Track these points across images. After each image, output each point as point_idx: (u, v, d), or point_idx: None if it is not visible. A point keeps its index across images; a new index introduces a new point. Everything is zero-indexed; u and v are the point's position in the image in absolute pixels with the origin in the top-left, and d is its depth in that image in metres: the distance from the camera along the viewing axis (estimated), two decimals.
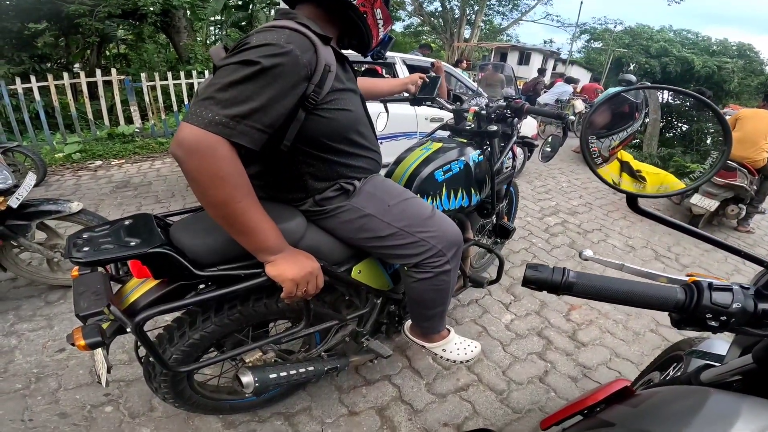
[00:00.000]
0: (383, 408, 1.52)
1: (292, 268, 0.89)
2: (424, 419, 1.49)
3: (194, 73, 5.49)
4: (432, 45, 21.67)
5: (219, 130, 0.75)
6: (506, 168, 1.80)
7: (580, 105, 7.62)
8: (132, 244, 0.82)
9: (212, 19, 8.66)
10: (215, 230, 0.87)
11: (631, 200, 0.58)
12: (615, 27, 26.20)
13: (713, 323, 0.49)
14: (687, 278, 0.59)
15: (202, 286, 0.97)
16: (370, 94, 1.47)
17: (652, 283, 0.53)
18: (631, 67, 31.16)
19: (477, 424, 1.50)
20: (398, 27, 21.20)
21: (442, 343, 1.34)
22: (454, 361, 1.36)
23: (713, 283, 0.50)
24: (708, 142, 0.65)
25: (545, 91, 7.70)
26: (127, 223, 0.90)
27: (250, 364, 1.13)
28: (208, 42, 8.60)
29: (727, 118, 5.21)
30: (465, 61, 7.92)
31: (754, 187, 3.40)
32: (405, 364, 1.72)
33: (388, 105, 1.73)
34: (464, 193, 1.47)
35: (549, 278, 0.52)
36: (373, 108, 1.60)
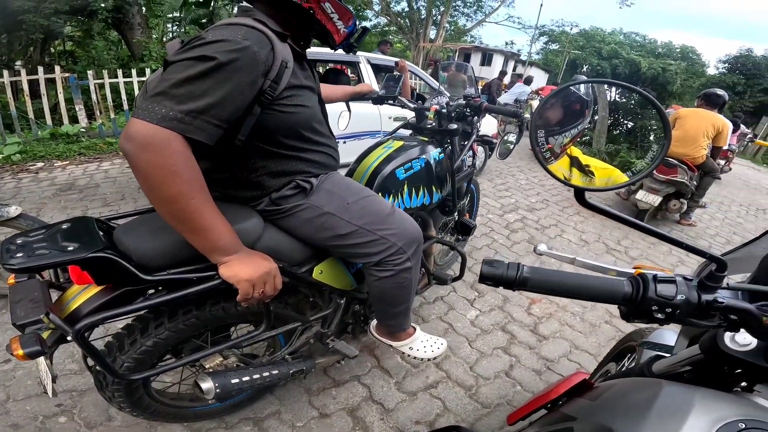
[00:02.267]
0: (354, 409, 1.51)
1: (247, 269, 0.87)
2: (396, 418, 1.50)
3: (148, 71, 5.26)
4: (398, 45, 21.88)
5: (174, 125, 0.74)
6: (467, 166, 1.84)
7: (537, 105, 7.92)
8: (70, 249, 0.77)
9: (170, 15, 8.29)
10: (164, 232, 0.84)
11: (579, 194, 0.59)
12: (571, 29, 27.40)
13: (659, 315, 0.51)
14: (632, 271, 0.61)
15: (151, 291, 0.93)
16: (326, 100, 1.47)
17: (601, 277, 0.54)
18: (585, 69, 32.83)
19: (448, 420, 1.52)
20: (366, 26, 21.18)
21: (409, 341, 1.35)
22: (422, 359, 1.38)
23: (658, 275, 0.52)
24: (651, 138, 0.67)
25: (505, 91, 7.95)
26: (65, 226, 0.85)
27: (211, 370, 1.09)
28: (164, 39, 8.20)
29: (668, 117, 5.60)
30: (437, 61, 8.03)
31: (694, 183, 3.66)
32: (374, 364, 1.72)
33: (351, 104, 1.72)
34: (425, 190, 1.49)
35: (504, 274, 0.53)
36: (336, 107, 1.60)
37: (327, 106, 1.20)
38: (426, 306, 2.15)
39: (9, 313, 0.81)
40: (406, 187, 1.40)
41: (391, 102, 1.68)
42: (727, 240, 3.98)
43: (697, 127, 3.55)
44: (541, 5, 24.52)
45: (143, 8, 7.27)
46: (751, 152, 13.03)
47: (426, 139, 1.62)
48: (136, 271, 0.81)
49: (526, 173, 5.11)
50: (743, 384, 0.56)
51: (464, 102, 1.68)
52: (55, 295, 0.90)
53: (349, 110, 1.69)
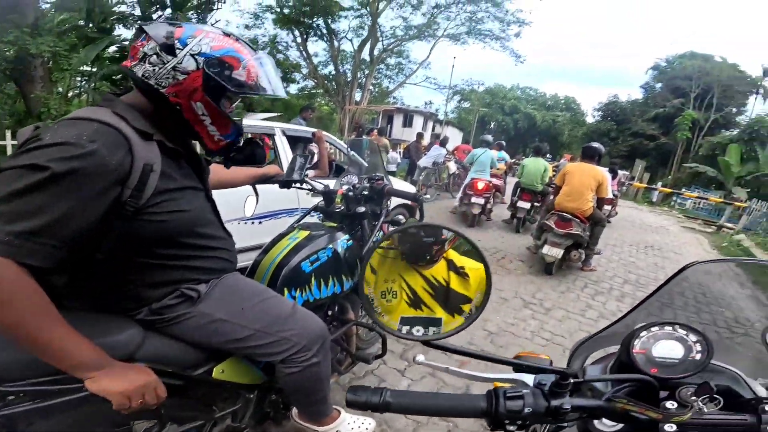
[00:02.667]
0: None
1: (117, 383, 0.82)
2: None
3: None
4: (325, 107, 22.78)
5: (1, 249, 0.67)
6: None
7: (453, 167, 8.67)
8: None
9: (80, 70, 7.77)
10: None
11: (426, 342, 0.63)
12: (478, 88, 30.80)
13: (511, 428, 0.54)
14: (499, 376, 0.66)
15: (11, 396, 0.82)
16: (228, 183, 1.43)
17: (459, 395, 0.58)
18: (492, 125, 36.95)
19: None
20: (293, 89, 21.90)
21: (335, 425, 1.31)
22: None
23: (507, 391, 0.55)
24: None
25: (425, 154, 8.53)
26: None
27: None
28: (69, 95, 7.61)
29: (559, 169, 6.35)
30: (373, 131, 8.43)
31: (588, 233, 4.14)
32: None
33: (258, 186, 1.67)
34: (335, 280, 1.47)
35: (368, 400, 0.55)
36: (243, 189, 1.54)
37: (232, 189, 1.17)
38: (356, 381, 2.08)
39: None
40: (313, 279, 1.37)
41: (298, 186, 1.66)
42: (624, 279, 4.47)
43: (581, 182, 4.07)
44: (453, 66, 27.67)
45: (49, 61, 6.74)
46: (632, 194, 15.29)
47: (335, 224, 1.62)
48: None
49: None
50: None
51: (368, 185, 1.72)
52: None
53: (257, 194, 1.64)
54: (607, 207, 6.75)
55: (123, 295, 0.93)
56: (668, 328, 0.59)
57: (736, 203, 11.40)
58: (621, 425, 0.59)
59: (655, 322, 0.60)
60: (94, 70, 7.66)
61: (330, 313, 1.60)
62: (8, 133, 4.47)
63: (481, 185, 5.64)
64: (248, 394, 1.22)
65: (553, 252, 3.95)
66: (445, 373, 0.73)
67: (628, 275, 4.66)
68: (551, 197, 4.53)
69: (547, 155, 6.13)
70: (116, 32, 8.63)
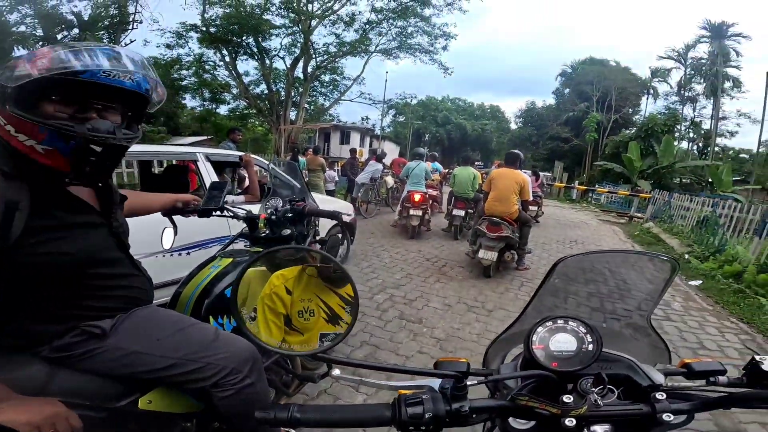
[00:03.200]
0: None
1: (23, 415, 0.79)
2: None
3: None
4: (259, 128, 22.19)
5: None
6: None
7: (390, 181, 8.89)
8: None
9: None
10: None
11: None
12: (412, 100, 31.86)
13: None
14: (402, 386, 0.65)
15: None
16: (143, 211, 1.37)
17: (366, 405, 0.58)
18: (426, 138, 38.43)
19: None
20: (223, 110, 21.08)
21: None
22: None
23: (407, 397, 0.56)
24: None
25: (362, 169, 8.61)
26: None
27: None
28: None
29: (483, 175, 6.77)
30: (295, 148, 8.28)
31: (517, 234, 4.42)
32: None
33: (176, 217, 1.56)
34: None
35: (276, 416, 0.56)
36: (160, 220, 1.44)
37: (149, 217, 1.12)
38: (310, 401, 2.06)
39: None
40: None
41: (217, 213, 1.58)
42: None
43: (506, 186, 4.37)
44: (386, 81, 28.48)
45: None
46: (555, 194, 16.71)
47: (260, 249, 1.55)
48: None
49: (389, 251, 5.41)
50: None
51: (289, 207, 1.69)
52: None
53: (174, 225, 1.53)
54: (533, 208, 7.29)
55: (15, 333, 0.89)
56: (560, 322, 0.63)
57: (642, 195, 12.89)
58: (533, 423, 0.60)
59: (547, 317, 0.64)
60: None
61: None
62: None
63: (417, 197, 5.82)
64: (185, 422, 1.18)
65: (488, 255, 4.16)
66: (360, 384, 0.72)
67: None
68: (482, 203, 4.78)
69: (477, 163, 6.54)
70: (16, 54, 7.86)
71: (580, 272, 0.81)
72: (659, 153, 17.75)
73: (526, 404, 0.56)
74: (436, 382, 0.62)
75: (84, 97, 0.81)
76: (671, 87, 29.64)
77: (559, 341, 0.61)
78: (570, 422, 0.55)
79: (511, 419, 0.63)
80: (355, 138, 24.91)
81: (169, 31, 16.40)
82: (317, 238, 1.96)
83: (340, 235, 1.84)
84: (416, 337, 2.92)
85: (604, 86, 27.82)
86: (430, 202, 6.54)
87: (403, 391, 0.58)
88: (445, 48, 18.68)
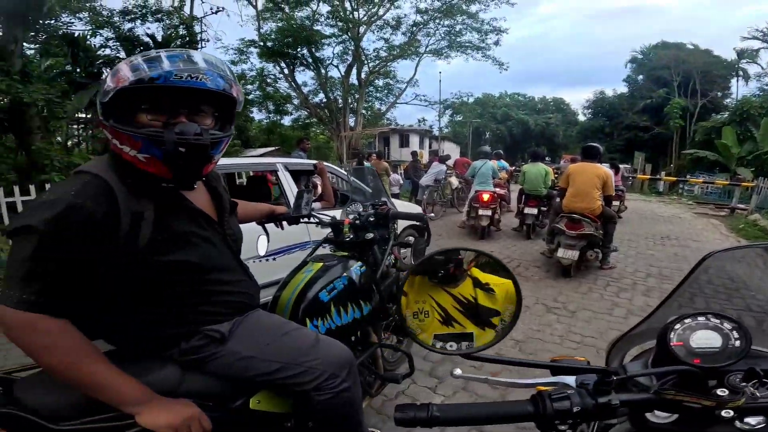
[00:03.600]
0: None
1: (165, 416, 0.86)
2: None
3: (48, 185, 4.74)
4: (321, 136, 23.14)
5: (29, 308, 0.75)
6: (391, 269, 1.85)
7: (455, 182, 8.70)
8: None
9: (75, 117, 7.77)
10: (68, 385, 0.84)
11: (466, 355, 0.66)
12: (468, 99, 31.03)
13: (563, 427, 0.55)
14: (538, 381, 0.67)
15: None
16: (245, 219, 1.46)
17: (504, 402, 0.59)
18: (487, 136, 37.12)
19: None
20: (286, 121, 22.29)
21: None
22: None
23: (552, 393, 0.56)
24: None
25: (425, 171, 8.57)
26: None
27: None
28: (69, 143, 7.64)
29: (561, 171, 6.33)
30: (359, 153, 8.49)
31: (600, 232, 4.09)
32: None
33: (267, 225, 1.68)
34: (353, 306, 1.47)
35: (415, 416, 0.56)
36: (255, 228, 1.55)
37: (243, 226, 1.17)
38: (388, 403, 2.08)
39: None
40: (332, 307, 1.39)
41: (305, 220, 1.67)
42: (647, 273, 4.38)
43: (586, 181, 4.06)
44: (440, 81, 28.16)
45: (43, 109, 6.52)
46: (637, 187, 15.17)
47: (346, 253, 1.62)
48: (42, 422, 0.81)
49: None
50: None
51: (372, 211, 1.73)
52: None
53: (267, 233, 1.65)
54: (616, 203, 6.70)
55: (148, 337, 0.96)
56: (701, 319, 0.60)
57: (744, 183, 11.25)
58: (675, 416, 0.59)
59: (687, 314, 0.61)
60: (89, 116, 7.67)
61: (354, 338, 1.60)
62: (16, 189, 4.46)
63: (486, 197, 5.64)
64: (286, 423, 1.22)
65: (568, 254, 3.90)
66: (482, 383, 0.73)
67: (650, 268, 4.57)
68: (557, 200, 4.51)
69: (546, 158, 6.17)
70: (104, 76, 8.54)
71: (732, 266, 0.75)
72: (759, 137, 15.53)
73: (673, 398, 0.56)
74: (569, 379, 0.64)
75: (169, 103, 0.85)
76: (763, 68, 25.57)
77: (701, 338, 0.59)
78: (727, 413, 0.55)
79: (649, 414, 0.62)
80: (414, 140, 24.93)
81: (232, 48, 17.52)
82: (399, 240, 1.98)
83: (410, 238, 1.85)
84: (502, 339, 2.83)
85: (684, 70, 24.90)
86: (499, 201, 6.30)
87: (541, 388, 0.59)
88: (497, 43, 18.22)
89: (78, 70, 7.69)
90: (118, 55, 9.21)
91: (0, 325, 0.76)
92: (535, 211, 5.81)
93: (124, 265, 0.85)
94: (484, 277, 0.86)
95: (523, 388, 0.68)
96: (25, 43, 7.07)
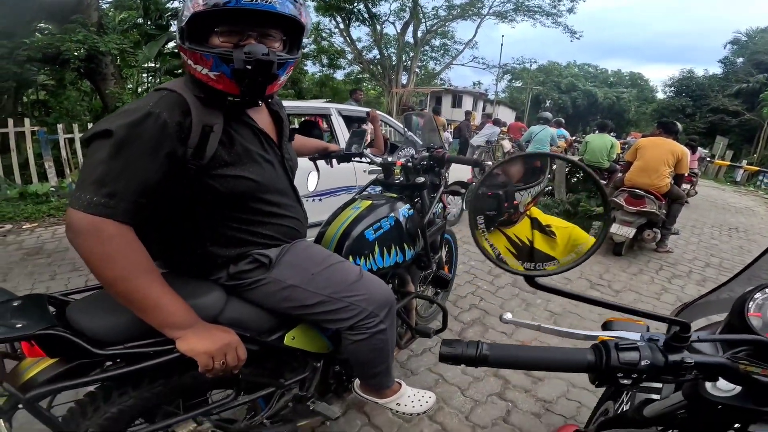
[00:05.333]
0: None
1: (204, 343, 0.87)
2: None
3: None
4: (372, 91, 22.80)
5: (99, 210, 0.76)
6: (438, 218, 1.82)
7: (507, 145, 8.27)
8: (18, 325, 0.80)
9: (145, 66, 8.31)
10: (118, 308, 0.86)
11: (530, 279, 0.59)
12: (531, 66, 28.96)
13: (625, 381, 0.51)
14: (598, 333, 0.63)
15: (109, 362, 0.93)
16: (300, 152, 1.47)
17: (562, 348, 0.54)
18: (548, 104, 34.69)
19: None
20: (339, 75, 22.11)
21: (395, 398, 1.32)
22: (411, 414, 1.34)
23: (619, 343, 0.52)
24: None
25: (476, 132, 8.25)
26: (15, 303, 0.89)
27: None
28: (139, 90, 8.21)
29: (629, 147, 5.85)
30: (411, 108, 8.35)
31: (663, 211, 3.78)
32: (364, 421, 1.65)
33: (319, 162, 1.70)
34: (397, 249, 1.46)
35: (463, 353, 0.53)
36: (305, 166, 1.58)
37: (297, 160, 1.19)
38: (414, 358, 2.10)
39: None
40: (376, 247, 1.38)
41: (357, 159, 1.67)
42: (706, 263, 4.06)
43: (657, 156, 3.72)
44: (502, 45, 26.31)
45: (117, 58, 7.17)
46: (712, 173, 13.71)
47: (395, 195, 1.61)
48: (87, 346, 0.83)
49: None
50: (737, 425, 0.56)
51: (428, 154, 1.69)
52: (11, 364, 0.93)
53: (318, 170, 1.68)
54: (686, 186, 6.13)
55: (199, 257, 0.99)
56: None
57: None
58: (738, 389, 0.54)
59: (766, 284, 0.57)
60: (157, 65, 8.11)
61: (390, 285, 1.60)
62: (90, 126, 4.88)
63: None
64: (315, 362, 1.25)
65: (623, 231, 3.66)
66: (535, 330, 0.70)
67: (710, 258, 4.22)
68: (620, 174, 4.19)
69: (612, 132, 5.67)
70: (172, 28, 9.00)
71: None
72: None
73: (746, 368, 0.51)
74: (632, 335, 0.58)
75: (239, 26, 0.87)
76: None
77: None
78: None
79: (708, 384, 0.56)
80: (467, 102, 23.84)
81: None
82: (448, 188, 1.95)
83: (459, 187, 1.78)
84: (529, 307, 2.78)
85: None
86: None
87: (603, 338, 0.55)
88: (570, 11, 16.60)
89: (149, 22, 8.01)
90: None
91: (67, 229, 0.78)
92: None
93: (188, 178, 0.87)
94: (545, 219, 0.81)
95: (583, 339, 0.64)
96: None
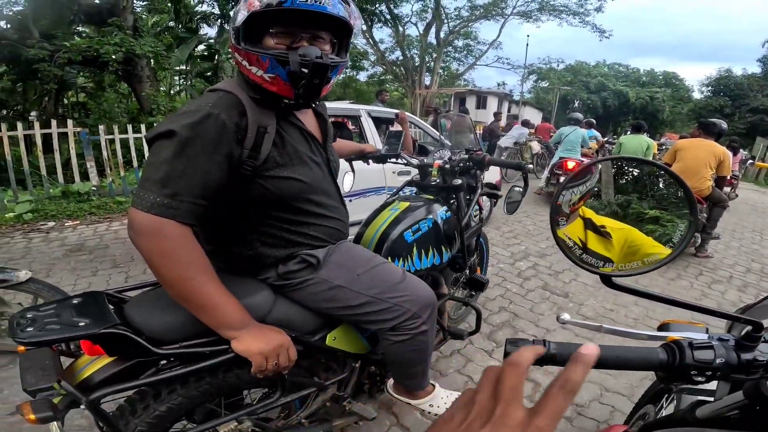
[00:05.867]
0: None
1: (258, 343, 0.87)
2: None
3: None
4: (395, 93, 22.81)
5: (162, 211, 0.77)
6: (474, 221, 1.81)
7: (536, 146, 8.08)
8: (81, 324, 0.80)
9: (177, 68, 8.58)
10: (174, 307, 0.86)
11: (606, 278, 0.59)
12: (558, 66, 28.22)
13: (699, 378, 0.52)
14: (664, 334, 0.62)
15: (163, 361, 0.93)
16: (338, 153, 1.47)
17: (632, 347, 0.54)
18: (576, 104, 33.72)
19: None
20: (362, 76, 22.20)
21: (428, 399, 1.31)
22: None
23: (693, 342, 0.52)
24: (660, 185, 0.70)
25: (504, 135, 8.09)
26: (75, 301, 0.89)
27: None
28: (171, 92, 8.51)
29: (666, 148, 5.62)
30: (436, 110, 8.26)
31: (704, 215, 3.62)
32: (393, 422, 1.65)
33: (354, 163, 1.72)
34: (435, 251, 1.46)
35: None
36: (341, 166, 1.60)
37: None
38: (443, 360, 2.09)
39: (20, 377, 0.83)
40: (415, 249, 1.38)
41: (394, 160, 1.68)
42: (747, 268, 3.86)
43: (698, 158, 3.56)
44: (527, 45, 25.76)
45: (152, 61, 7.42)
46: (752, 175, 13.01)
47: (431, 197, 1.60)
48: (147, 345, 0.84)
49: (533, 218, 5.04)
50: None
51: (467, 156, 1.67)
52: (66, 361, 0.92)
53: (353, 170, 1.69)
54: (726, 188, 5.84)
55: (249, 257, 1.00)
56: None
57: None
58: None
59: None
60: (188, 68, 8.36)
61: None
62: (129, 128, 5.08)
63: (571, 165, 5.22)
64: (354, 363, 1.25)
65: None
66: (593, 331, 0.69)
67: (751, 264, 4.01)
68: None
69: (646, 133, 5.45)
70: (202, 31, 9.18)
71: None
72: None
73: None
74: (698, 336, 0.57)
75: (293, 27, 0.88)
76: None
77: None
78: None
79: None
80: (492, 103, 23.48)
81: None
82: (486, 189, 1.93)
83: (519, 189, 1.74)
84: (560, 310, 2.71)
85: None
86: None
87: (673, 337, 0.55)
88: (598, 9, 16.01)
89: (180, 26, 8.24)
90: (212, 10, 9.73)
91: (129, 229, 0.79)
92: None
93: (242, 180, 0.89)
94: (599, 219, 0.79)
95: (646, 340, 0.64)
96: (135, 1, 7.72)
